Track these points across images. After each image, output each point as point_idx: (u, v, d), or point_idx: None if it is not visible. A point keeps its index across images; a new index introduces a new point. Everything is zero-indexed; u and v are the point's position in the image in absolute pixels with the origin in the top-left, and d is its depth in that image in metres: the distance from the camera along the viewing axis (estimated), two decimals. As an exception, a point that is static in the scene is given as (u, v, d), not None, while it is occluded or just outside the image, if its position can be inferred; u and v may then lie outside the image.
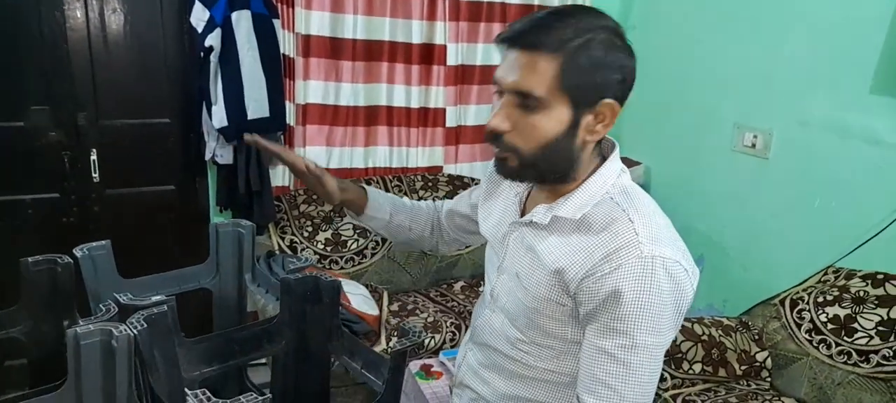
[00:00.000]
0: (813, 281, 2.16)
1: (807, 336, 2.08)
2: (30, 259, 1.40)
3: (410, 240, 1.37)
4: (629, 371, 0.88)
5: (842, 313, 2.01)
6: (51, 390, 1.01)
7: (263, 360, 1.82)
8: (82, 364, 0.99)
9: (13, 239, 2.38)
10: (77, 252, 1.34)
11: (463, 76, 2.99)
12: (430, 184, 2.99)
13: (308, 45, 2.61)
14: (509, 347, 1.04)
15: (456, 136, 3.08)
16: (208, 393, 0.81)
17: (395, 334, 2.32)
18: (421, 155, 3.02)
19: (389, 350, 2.19)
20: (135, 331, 1.02)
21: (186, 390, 0.81)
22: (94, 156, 2.44)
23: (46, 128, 2.35)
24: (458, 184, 3.04)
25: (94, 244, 1.37)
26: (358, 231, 2.76)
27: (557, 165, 0.92)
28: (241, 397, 0.80)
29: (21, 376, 1.49)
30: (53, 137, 2.37)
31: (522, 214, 1.05)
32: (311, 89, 2.66)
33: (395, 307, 2.56)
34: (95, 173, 2.46)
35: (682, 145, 2.89)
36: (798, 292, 2.18)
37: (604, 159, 0.97)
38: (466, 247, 2.94)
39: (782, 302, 2.21)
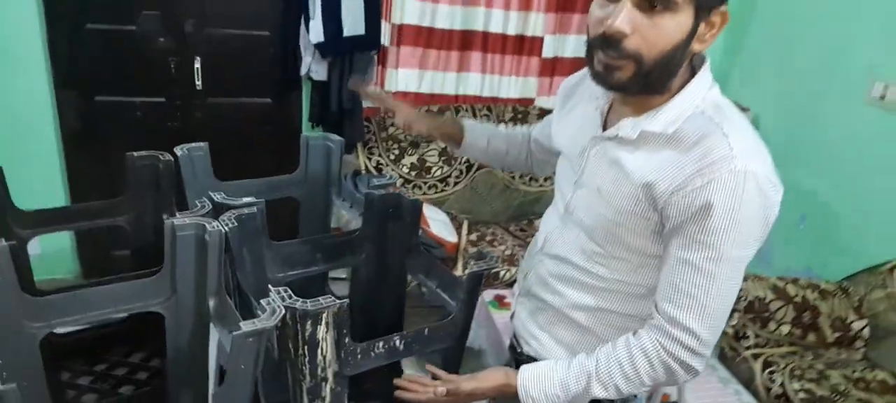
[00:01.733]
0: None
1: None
2: (135, 154, 1.49)
3: (508, 164, 1.40)
4: (712, 281, 0.88)
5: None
6: (149, 274, 1.09)
7: (344, 275, 1.89)
8: (177, 254, 1.05)
9: (123, 139, 2.55)
10: (177, 151, 1.41)
11: (565, 3, 2.86)
12: (520, 116, 2.93)
13: (409, -38, 2.56)
14: (584, 259, 1.03)
15: (552, 67, 2.98)
16: (289, 291, 0.83)
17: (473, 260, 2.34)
18: (513, 85, 2.95)
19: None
20: (226, 228, 1.07)
21: (270, 286, 0.84)
22: (197, 64, 2.54)
23: (156, 33, 2.46)
24: (549, 118, 2.96)
25: (193, 145, 1.43)
26: (443, 157, 2.77)
27: (668, 74, 0.90)
28: (320, 298, 0.82)
29: (125, 264, 1.62)
30: (162, 43, 2.48)
31: (604, 128, 1.02)
32: (408, 8, 2.63)
33: (473, 237, 2.57)
34: (198, 81, 2.57)
35: (799, 90, 2.64)
36: (909, 261, 2.00)
37: (693, 71, 0.95)
38: (553, 186, 2.89)
39: (891, 271, 2.03)
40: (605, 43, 0.87)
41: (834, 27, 2.49)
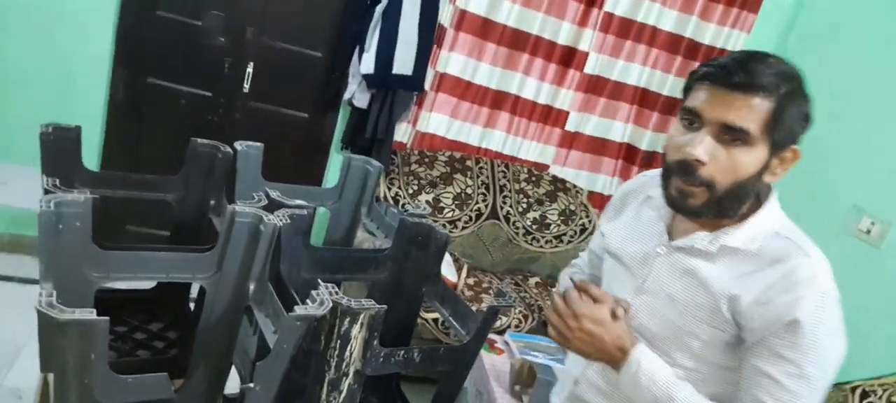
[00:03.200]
0: (892, 380, 2.09)
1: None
2: (199, 140, 1.63)
3: None
4: (793, 397, 0.91)
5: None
6: (202, 250, 1.21)
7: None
8: (232, 236, 1.17)
9: (162, 122, 2.69)
10: (238, 146, 1.55)
11: (595, 86, 3.05)
12: (533, 178, 3.09)
13: (462, 19, 2.76)
14: None
15: (571, 141, 3.15)
16: (335, 287, 0.96)
17: (494, 296, 2.46)
18: (532, 149, 3.11)
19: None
20: (281, 223, 1.20)
21: (319, 279, 0.96)
22: (249, 69, 2.71)
23: (218, 32, 2.63)
24: (560, 186, 3.12)
25: (251, 143, 1.57)
26: (457, 201, 2.91)
27: (739, 202, 0.95)
28: (361, 300, 0.94)
29: (132, 238, 1.72)
30: (221, 43, 2.65)
31: (671, 239, 1.05)
32: (452, 61, 2.81)
33: (471, 281, 2.69)
34: (246, 84, 2.74)
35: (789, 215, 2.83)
36: (873, 385, 2.12)
37: (757, 196, 1.00)
38: (554, 250, 3.03)
39: (853, 390, 2.15)
40: (683, 169, 0.93)
41: (822, 166, 2.66)
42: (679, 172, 0.95)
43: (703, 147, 0.91)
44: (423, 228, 1.35)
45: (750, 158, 0.92)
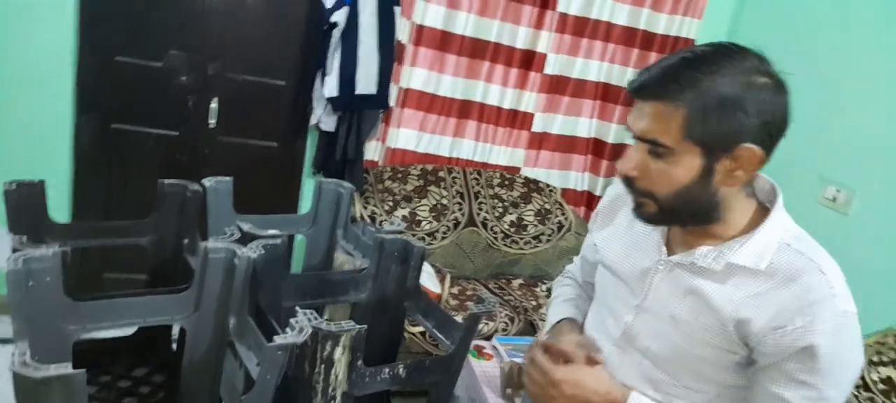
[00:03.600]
0: (871, 340, 2.15)
1: (855, 391, 2.08)
2: (166, 181, 1.62)
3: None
4: None
5: None
6: (178, 291, 1.21)
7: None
8: (207, 273, 1.18)
9: (132, 166, 2.67)
10: (206, 182, 1.54)
11: (557, 86, 3.10)
12: (506, 182, 3.12)
13: (420, 33, 2.78)
14: (652, 389, 0.99)
15: (539, 141, 3.19)
16: (314, 312, 0.97)
17: (473, 304, 2.48)
18: (502, 154, 3.15)
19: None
20: (254, 255, 1.21)
21: (297, 307, 0.97)
22: (214, 104, 2.70)
23: (180, 71, 2.63)
24: (533, 187, 3.15)
25: (220, 178, 1.57)
26: (434, 213, 2.92)
27: (698, 210, 0.89)
28: (341, 322, 0.95)
29: (112, 286, 1.71)
30: (183, 81, 2.64)
31: (669, 251, 0.98)
32: (415, 76, 2.84)
33: (455, 290, 2.71)
34: (212, 119, 2.73)
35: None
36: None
37: (759, 200, 0.95)
38: (534, 250, 3.05)
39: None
40: (626, 182, 0.92)
41: (787, 139, 2.75)
42: (625, 185, 0.94)
43: (630, 161, 0.90)
44: (399, 244, 1.36)
45: (679, 168, 0.86)
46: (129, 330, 1.68)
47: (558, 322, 1.25)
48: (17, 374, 0.76)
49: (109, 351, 1.66)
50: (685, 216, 0.92)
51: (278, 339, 0.91)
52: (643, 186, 0.90)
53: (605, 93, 3.19)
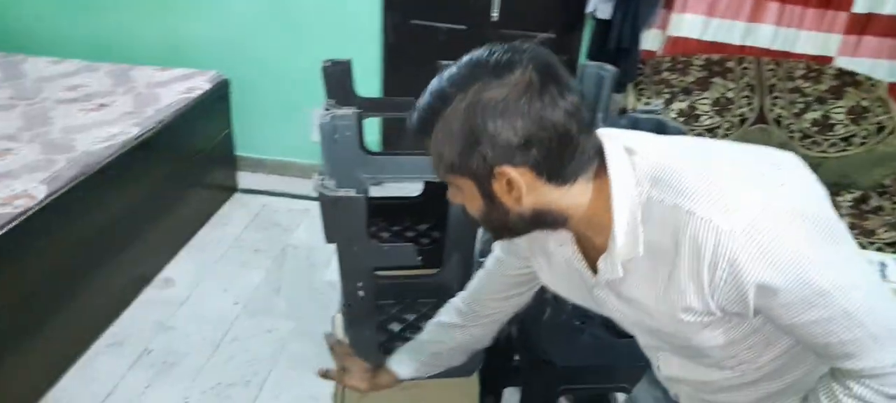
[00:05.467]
0: None
1: None
2: (443, 62, 1.82)
3: (462, 355, 1.18)
4: (847, 318, 0.71)
5: None
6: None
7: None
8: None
9: (425, 56, 3.00)
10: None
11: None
12: (812, 74, 2.71)
13: None
14: (718, 373, 0.90)
15: (862, 25, 2.67)
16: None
17: None
18: (810, 40, 2.72)
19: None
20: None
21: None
22: (496, -2, 2.86)
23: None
24: (848, 80, 2.68)
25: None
26: (716, 108, 2.71)
27: (513, 226, 0.80)
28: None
29: None
30: (469, -25, 2.85)
31: (593, 269, 0.85)
32: (703, -48, 2.59)
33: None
34: (494, 13, 2.89)
35: None
36: None
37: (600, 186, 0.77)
38: (840, 154, 2.66)
39: None
40: None
41: None
42: None
43: (450, 196, 0.84)
44: (653, 123, 1.36)
45: (467, 198, 0.79)
46: (415, 191, 1.99)
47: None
48: (321, 193, 1.00)
49: (401, 209, 2.00)
50: (512, 230, 0.82)
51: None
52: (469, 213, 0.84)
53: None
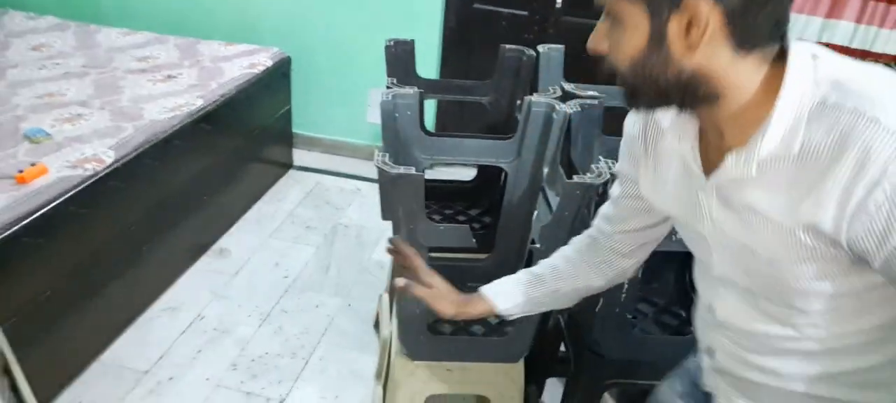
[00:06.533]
0: None
1: None
2: (506, 46, 1.80)
3: (574, 297, 1.09)
4: None
5: None
6: (505, 138, 1.38)
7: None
8: (528, 124, 1.31)
9: (485, 41, 2.98)
10: (540, 48, 1.67)
11: None
12: (893, 76, 2.56)
13: None
14: (779, 327, 0.84)
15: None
16: (613, 162, 1.02)
17: None
18: (892, 40, 2.56)
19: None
20: (570, 111, 1.29)
21: (601, 157, 1.03)
22: (561, -17, 2.81)
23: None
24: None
25: (552, 46, 1.68)
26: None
27: (669, 87, 0.74)
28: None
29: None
30: (534, -38, 2.80)
31: (706, 173, 0.81)
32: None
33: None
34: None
35: None
36: None
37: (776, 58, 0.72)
38: None
39: None
40: (595, 62, 0.79)
41: None
42: (597, 65, 0.80)
43: (594, 35, 0.78)
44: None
45: (628, 34, 0.72)
46: (469, 175, 1.98)
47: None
48: (380, 169, 1.00)
49: (453, 193, 1.99)
50: (653, 96, 0.75)
51: (577, 178, 1.00)
52: (608, 63, 0.77)
53: None
